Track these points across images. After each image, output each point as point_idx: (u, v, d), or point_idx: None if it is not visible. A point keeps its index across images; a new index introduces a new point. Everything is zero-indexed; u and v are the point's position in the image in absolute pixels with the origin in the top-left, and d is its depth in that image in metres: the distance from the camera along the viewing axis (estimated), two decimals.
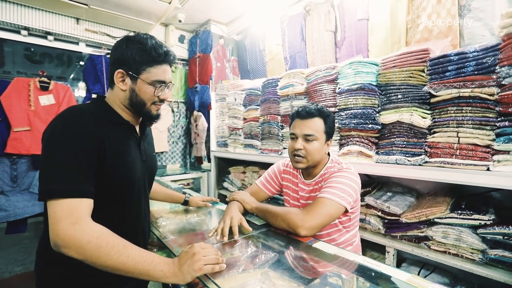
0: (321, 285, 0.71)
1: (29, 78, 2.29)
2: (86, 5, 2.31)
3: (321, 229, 1.08)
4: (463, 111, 1.21)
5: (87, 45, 2.71)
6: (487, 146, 1.15)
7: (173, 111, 3.27)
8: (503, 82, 1.08)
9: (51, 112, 2.32)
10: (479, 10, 1.44)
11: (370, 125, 1.53)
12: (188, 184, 3.13)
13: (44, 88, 2.31)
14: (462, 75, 1.20)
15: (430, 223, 1.38)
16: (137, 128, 1.00)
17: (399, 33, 1.76)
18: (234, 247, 0.98)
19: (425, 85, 1.32)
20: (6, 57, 3.30)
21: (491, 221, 1.18)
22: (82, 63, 2.69)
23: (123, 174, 0.86)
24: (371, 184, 1.78)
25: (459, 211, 1.26)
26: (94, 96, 2.42)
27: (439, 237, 1.32)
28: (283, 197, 1.46)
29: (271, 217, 1.13)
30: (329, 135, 1.21)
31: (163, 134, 3.17)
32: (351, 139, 1.64)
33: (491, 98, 1.13)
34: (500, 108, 1.11)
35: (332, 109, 1.72)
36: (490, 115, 1.14)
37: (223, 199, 2.62)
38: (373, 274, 0.77)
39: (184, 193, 1.51)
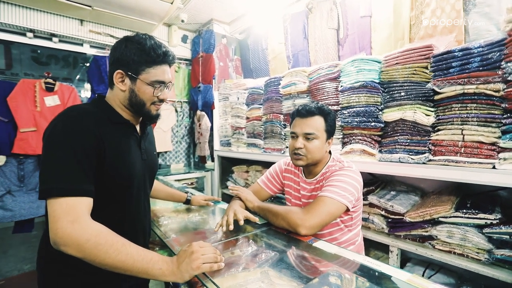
0: (320, 284, 0.71)
1: (35, 79, 2.32)
2: (90, 6, 2.33)
3: (322, 228, 1.07)
4: (468, 108, 1.19)
5: (91, 46, 2.73)
6: (493, 144, 1.13)
7: (176, 111, 3.29)
8: (509, 78, 1.06)
9: (56, 112, 2.30)
10: (485, 5, 1.41)
11: (373, 123, 1.51)
12: (192, 184, 3.15)
13: (50, 89, 2.34)
14: (467, 71, 1.18)
15: (434, 222, 1.36)
16: (138, 128, 1.00)
17: (403, 30, 1.73)
18: (234, 246, 0.98)
19: (428, 82, 1.30)
20: (14, 60, 3.36)
21: (497, 220, 1.15)
22: (87, 64, 2.71)
23: (123, 172, 0.86)
24: (375, 183, 1.76)
25: (464, 210, 1.24)
26: None
27: (443, 236, 1.30)
28: (285, 196, 1.45)
29: (272, 216, 1.13)
30: (330, 133, 1.20)
31: (167, 134, 3.18)
32: (353, 137, 1.63)
33: (496, 94, 1.10)
34: (506, 105, 1.08)
35: (335, 107, 1.70)
36: (496, 112, 1.12)
37: (226, 198, 2.62)
38: (373, 273, 0.76)
39: (186, 192, 1.52)
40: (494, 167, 1.12)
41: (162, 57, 0.88)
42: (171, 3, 2.44)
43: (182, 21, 2.90)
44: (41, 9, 2.37)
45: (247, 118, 2.54)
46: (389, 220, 1.53)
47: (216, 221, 1.35)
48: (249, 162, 2.74)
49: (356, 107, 1.58)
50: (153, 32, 2.96)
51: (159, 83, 0.90)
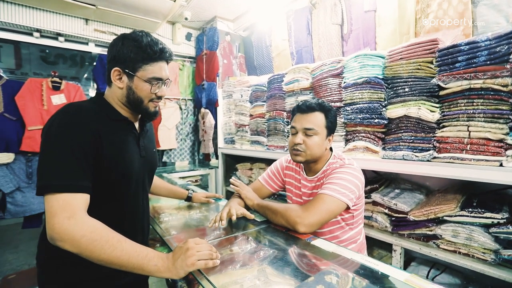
0: (315, 282, 0.70)
1: (42, 78, 2.36)
2: (94, 5, 2.35)
3: (322, 226, 1.06)
4: (474, 103, 1.15)
5: (96, 45, 2.77)
6: (500, 141, 1.09)
7: (181, 108, 3.30)
8: None
9: None
10: None
11: (376, 120, 1.48)
12: (196, 181, 3.16)
13: (56, 88, 2.39)
14: (473, 65, 1.14)
15: (439, 221, 1.32)
16: (137, 125, 1.00)
17: (408, 24, 1.68)
18: (232, 244, 0.98)
19: (433, 77, 1.26)
20: (24, 59, 3.44)
21: (505, 220, 1.12)
22: (94, 63, 2.75)
23: (121, 169, 0.87)
24: (379, 180, 1.73)
25: (470, 209, 1.21)
26: None
27: (448, 235, 1.27)
28: (286, 193, 1.44)
29: (271, 214, 1.12)
30: (330, 130, 1.18)
31: (172, 132, 3.20)
32: (357, 134, 1.60)
33: (504, 89, 1.06)
34: None
35: (338, 104, 1.68)
36: (504, 108, 1.08)
37: (230, 196, 2.62)
38: (370, 273, 0.74)
39: (188, 189, 1.52)
40: (501, 165, 1.08)
41: (158, 53, 0.88)
42: (174, 1, 2.44)
43: (186, 18, 2.90)
44: (47, 9, 2.41)
45: (251, 115, 2.53)
46: (393, 218, 1.50)
47: None
48: (252, 160, 2.73)
49: (359, 104, 1.55)
50: (157, 30, 2.97)
51: (156, 80, 0.90)
